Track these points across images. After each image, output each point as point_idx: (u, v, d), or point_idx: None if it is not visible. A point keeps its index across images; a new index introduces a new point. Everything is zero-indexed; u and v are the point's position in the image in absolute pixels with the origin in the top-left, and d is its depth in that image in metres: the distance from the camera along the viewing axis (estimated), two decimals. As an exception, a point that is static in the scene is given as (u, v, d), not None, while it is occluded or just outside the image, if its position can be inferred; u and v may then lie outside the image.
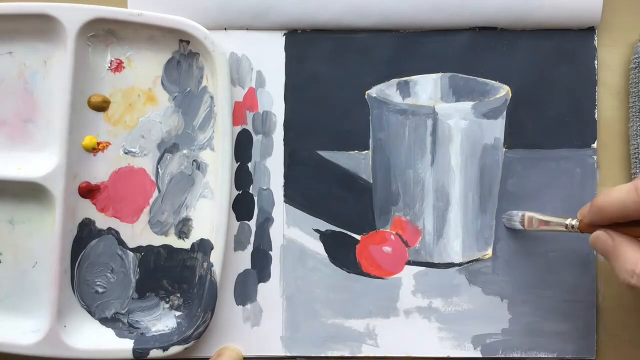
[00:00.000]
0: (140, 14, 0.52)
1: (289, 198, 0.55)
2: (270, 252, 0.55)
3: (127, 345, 0.53)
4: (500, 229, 0.55)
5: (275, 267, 0.55)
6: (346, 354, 0.55)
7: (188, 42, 0.53)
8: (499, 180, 0.55)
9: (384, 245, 0.55)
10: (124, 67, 0.54)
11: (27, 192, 0.52)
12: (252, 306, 0.55)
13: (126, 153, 0.54)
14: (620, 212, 0.45)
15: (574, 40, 0.54)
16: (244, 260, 0.55)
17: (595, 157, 0.54)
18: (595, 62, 0.54)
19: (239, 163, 0.55)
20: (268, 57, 0.55)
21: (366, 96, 0.55)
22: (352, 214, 0.55)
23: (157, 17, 0.52)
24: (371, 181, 0.55)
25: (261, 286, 0.55)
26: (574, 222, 0.49)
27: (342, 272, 0.55)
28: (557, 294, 0.54)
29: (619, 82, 0.55)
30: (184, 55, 0.54)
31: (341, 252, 0.55)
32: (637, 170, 0.54)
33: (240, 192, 0.55)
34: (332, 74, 0.55)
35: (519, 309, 0.55)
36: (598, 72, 0.55)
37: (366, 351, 0.55)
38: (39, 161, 0.53)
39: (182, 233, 0.54)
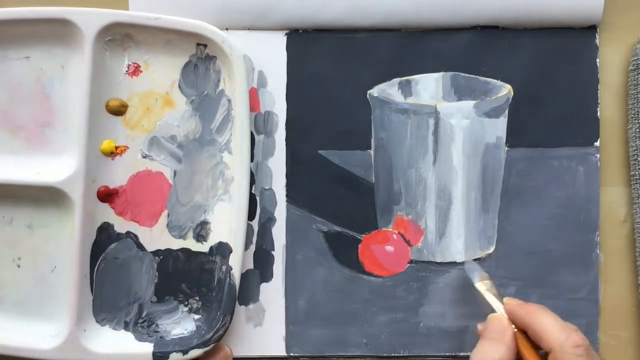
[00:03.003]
0: (158, 17, 0.52)
1: (291, 198, 0.55)
2: (272, 252, 0.55)
3: (147, 349, 0.53)
4: (502, 227, 0.55)
5: (277, 267, 0.55)
6: (349, 353, 0.55)
7: (205, 46, 0.53)
8: (501, 179, 0.55)
9: (387, 244, 0.55)
10: (141, 71, 0.54)
11: (46, 196, 0.52)
12: (255, 306, 0.55)
13: (144, 157, 0.54)
14: (539, 338, 0.47)
15: (576, 39, 0.54)
16: (246, 260, 0.55)
17: (598, 155, 0.55)
18: (597, 60, 0.55)
19: (241, 163, 0.55)
20: (270, 57, 0.55)
21: (368, 96, 0.55)
22: (354, 214, 0.55)
23: (174, 21, 0.52)
24: (373, 181, 0.55)
25: (263, 286, 0.55)
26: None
27: (345, 272, 0.55)
28: (560, 292, 0.55)
29: (619, 82, 0.55)
30: (201, 58, 0.53)
31: (343, 252, 0.55)
32: (637, 172, 0.54)
33: (243, 192, 0.55)
34: (334, 74, 0.55)
35: (521, 308, 0.55)
36: (599, 72, 0.55)
37: (369, 351, 0.55)
38: (57, 166, 0.53)
39: (200, 236, 0.54)
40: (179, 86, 0.54)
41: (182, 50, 0.53)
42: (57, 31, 0.52)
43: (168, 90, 0.54)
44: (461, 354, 0.55)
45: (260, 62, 0.55)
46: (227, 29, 0.55)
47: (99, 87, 0.52)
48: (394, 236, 0.55)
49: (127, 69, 0.53)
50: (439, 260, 0.55)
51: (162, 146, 0.54)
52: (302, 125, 0.55)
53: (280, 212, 0.55)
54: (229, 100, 0.53)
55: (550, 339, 0.46)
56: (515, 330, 0.48)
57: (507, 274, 0.55)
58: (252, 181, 0.55)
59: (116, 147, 0.53)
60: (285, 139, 0.55)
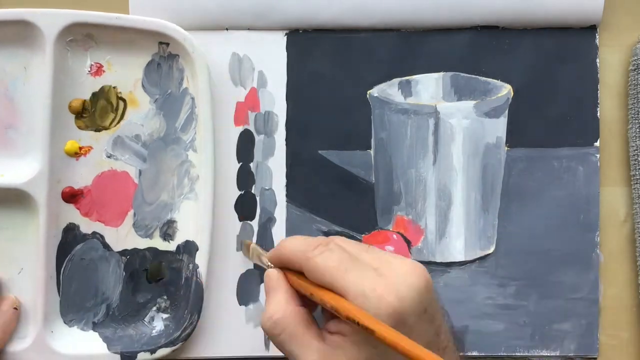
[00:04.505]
0: (119, 17, 0.52)
1: (291, 198, 0.55)
2: (272, 252, 0.55)
3: (114, 349, 0.53)
4: (502, 227, 0.55)
5: (277, 267, 0.55)
6: (349, 353, 0.55)
7: (167, 44, 0.53)
8: (501, 179, 0.55)
9: (387, 244, 0.55)
10: (104, 71, 0.53)
11: (10, 198, 0.52)
12: (255, 306, 0.55)
13: (109, 157, 0.54)
14: (292, 263, 0.45)
15: (576, 39, 0.54)
16: (246, 260, 0.55)
17: (598, 155, 0.55)
18: (597, 60, 0.55)
19: (241, 163, 0.55)
20: (270, 57, 0.55)
21: (368, 96, 0.55)
22: (354, 214, 0.55)
23: (135, 20, 0.52)
24: (373, 181, 0.55)
25: (263, 286, 0.55)
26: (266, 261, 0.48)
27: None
28: (560, 292, 0.55)
29: (619, 82, 0.55)
30: (163, 57, 0.53)
31: (343, 252, 0.55)
32: (637, 172, 0.54)
33: (243, 192, 0.55)
34: (334, 74, 0.55)
35: (520, 308, 0.55)
36: (599, 72, 0.55)
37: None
38: (21, 167, 0.52)
39: (167, 235, 0.54)
40: (142, 85, 0.54)
41: (144, 49, 0.53)
42: (19, 33, 0.52)
43: (131, 89, 0.54)
44: (461, 353, 0.55)
45: (260, 62, 0.55)
46: (227, 29, 0.55)
47: (62, 87, 0.52)
48: (394, 236, 0.55)
49: (89, 69, 0.53)
50: (439, 260, 0.55)
51: (126, 146, 0.54)
52: (302, 125, 0.55)
53: (280, 212, 0.55)
54: (193, 99, 0.53)
55: (298, 260, 0.44)
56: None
57: (507, 274, 0.55)
58: (252, 181, 0.55)
59: (80, 148, 0.53)
60: (285, 139, 0.55)
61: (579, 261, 0.55)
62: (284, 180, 0.55)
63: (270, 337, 0.44)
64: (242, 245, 0.54)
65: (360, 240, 0.55)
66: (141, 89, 0.54)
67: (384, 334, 0.38)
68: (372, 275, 0.41)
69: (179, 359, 0.54)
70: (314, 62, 0.55)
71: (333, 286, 0.41)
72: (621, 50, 0.55)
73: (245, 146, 0.55)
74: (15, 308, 0.52)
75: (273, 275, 0.46)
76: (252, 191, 0.55)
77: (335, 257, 0.42)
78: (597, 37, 0.54)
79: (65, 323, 0.53)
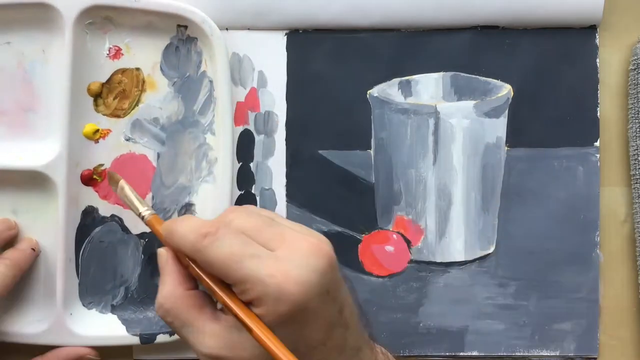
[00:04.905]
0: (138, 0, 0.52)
1: (291, 198, 0.55)
2: (272, 252, 0.55)
3: (134, 331, 0.53)
4: (502, 227, 0.55)
5: (277, 267, 0.55)
6: (349, 353, 0.55)
7: (186, 27, 0.53)
8: (501, 179, 0.55)
9: (387, 244, 0.55)
10: (122, 54, 0.53)
11: (30, 181, 0.52)
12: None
13: (127, 140, 0.54)
14: (182, 251, 0.42)
15: (576, 39, 0.54)
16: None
17: (598, 155, 0.55)
18: (597, 60, 0.55)
19: (241, 163, 0.55)
20: (270, 57, 0.55)
21: (368, 96, 0.55)
22: (354, 214, 0.55)
23: (154, 3, 0.52)
24: (373, 181, 0.55)
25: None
26: (146, 213, 0.46)
27: (345, 272, 0.55)
28: (560, 292, 0.55)
29: (619, 82, 0.55)
30: (182, 40, 0.53)
31: (343, 252, 0.54)
32: (637, 172, 0.54)
33: (243, 192, 0.55)
34: (334, 74, 0.55)
35: (521, 308, 0.55)
36: (599, 72, 0.55)
37: (369, 351, 0.55)
38: (40, 150, 0.52)
39: None
40: (161, 68, 0.54)
41: (162, 32, 0.53)
42: (37, 15, 0.52)
43: (150, 72, 0.54)
44: (461, 353, 0.55)
45: (260, 62, 0.55)
46: (227, 29, 0.55)
47: (80, 70, 0.52)
48: (394, 236, 0.55)
49: (108, 52, 0.53)
50: (439, 260, 0.55)
51: (144, 129, 0.54)
52: (302, 125, 0.55)
53: (280, 212, 0.55)
54: (211, 82, 0.53)
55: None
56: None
57: (507, 274, 0.55)
58: (252, 181, 0.55)
59: (99, 131, 0.53)
60: (285, 139, 0.55)
61: (579, 261, 0.55)
62: (284, 180, 0.55)
63: (166, 323, 0.42)
64: (110, 179, 0.51)
65: (360, 241, 0.55)
66: (159, 72, 0.54)
67: (258, 335, 0.38)
68: (270, 260, 0.39)
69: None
70: (314, 62, 0.55)
71: (227, 277, 0.39)
72: (621, 50, 0.55)
73: (245, 146, 0.55)
74: (33, 249, 0.52)
75: (162, 256, 0.43)
76: (252, 191, 0.55)
77: (227, 247, 0.39)
78: (597, 37, 0.54)
79: (84, 306, 0.54)
